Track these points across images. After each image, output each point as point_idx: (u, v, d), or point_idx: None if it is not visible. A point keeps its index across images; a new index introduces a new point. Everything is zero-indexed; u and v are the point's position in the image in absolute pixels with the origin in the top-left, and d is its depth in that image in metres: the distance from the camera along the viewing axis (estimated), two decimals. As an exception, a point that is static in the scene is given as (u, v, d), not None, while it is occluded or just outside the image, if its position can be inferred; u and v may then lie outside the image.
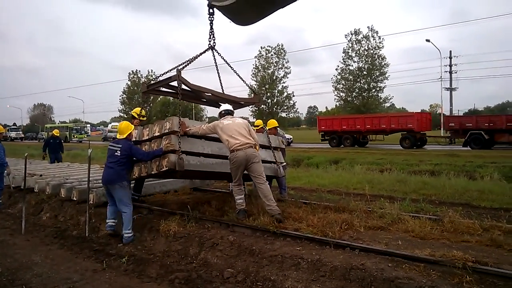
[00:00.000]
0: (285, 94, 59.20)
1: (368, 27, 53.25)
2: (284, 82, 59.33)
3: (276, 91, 58.97)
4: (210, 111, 74.25)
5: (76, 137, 55.21)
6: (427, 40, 40.60)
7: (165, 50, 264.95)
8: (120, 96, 73.82)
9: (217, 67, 7.77)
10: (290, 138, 38.40)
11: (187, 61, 6.84)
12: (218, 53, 7.30)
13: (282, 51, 58.98)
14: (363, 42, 52.70)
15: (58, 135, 15.80)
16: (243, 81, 8.18)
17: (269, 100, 58.87)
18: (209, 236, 5.56)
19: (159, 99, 74.02)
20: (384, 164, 19.42)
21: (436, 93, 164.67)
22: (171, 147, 6.09)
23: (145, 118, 8.35)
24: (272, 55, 59.14)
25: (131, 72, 73.72)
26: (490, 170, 15.32)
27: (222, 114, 6.60)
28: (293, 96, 59.28)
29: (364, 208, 6.34)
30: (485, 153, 23.33)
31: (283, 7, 6.77)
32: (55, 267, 5.34)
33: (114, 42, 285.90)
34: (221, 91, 7.80)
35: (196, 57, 6.91)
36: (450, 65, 45.84)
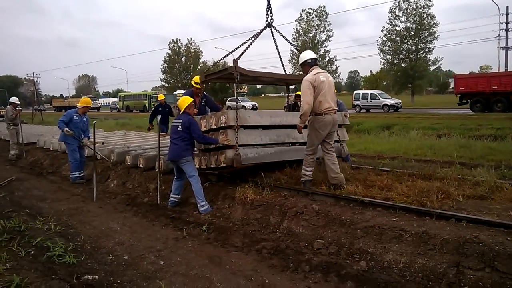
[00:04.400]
0: (327, 58, 57.50)
1: (417, -16, 49.99)
2: (326, 46, 57.55)
3: (318, 55, 57.39)
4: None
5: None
6: (484, -5, 37.63)
7: (198, 19, 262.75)
8: (161, 65, 74.30)
9: (276, 46, 7.31)
10: (399, 103, 35.71)
11: (245, 47, 6.46)
12: (277, 30, 6.86)
13: (324, 13, 56.90)
14: (411, 0, 49.80)
15: (164, 100, 12.70)
16: (297, 49, 7.74)
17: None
18: (290, 204, 5.28)
19: (199, 67, 73.97)
20: (440, 129, 18.56)
21: (485, 53, 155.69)
22: (228, 142, 5.85)
23: (199, 86, 7.74)
24: (313, 17, 57.23)
25: (171, 41, 73.73)
26: None
27: (311, 64, 5.68)
28: (336, 60, 57.54)
29: (454, 175, 5.85)
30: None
31: None
32: (135, 235, 5.27)
33: (146, 12, 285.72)
34: (280, 67, 7.53)
35: (253, 40, 6.55)
36: (507, 22, 42.41)
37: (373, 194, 5.19)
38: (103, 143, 10.08)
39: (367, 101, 36.55)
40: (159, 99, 12.86)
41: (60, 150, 10.90)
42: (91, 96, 76.11)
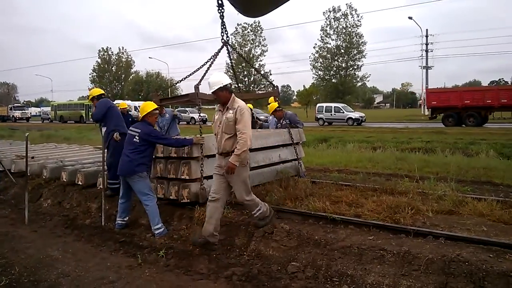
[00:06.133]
0: (262, 72, 58.39)
1: (346, 4, 52.91)
2: (261, 60, 58.51)
3: (253, 69, 58.09)
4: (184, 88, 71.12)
5: None
6: (410, 18, 40.64)
7: (128, 27, 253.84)
8: (90, 74, 70.84)
9: (232, 64, 7.00)
10: (363, 116, 35.40)
11: (205, 69, 6.12)
12: (233, 48, 6.57)
13: (258, 28, 58.00)
14: (341, 20, 52.32)
15: (126, 108, 11.22)
16: (258, 72, 7.63)
17: (246, 79, 57.95)
18: (257, 224, 4.92)
19: (130, 77, 71.65)
20: (374, 142, 19.18)
21: (405, 71, 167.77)
22: (202, 142, 5.47)
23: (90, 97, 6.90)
24: (248, 32, 58.04)
25: (101, 49, 70.80)
26: (483, 147, 15.26)
27: (231, 89, 4.76)
28: (270, 74, 58.57)
29: (415, 189, 5.85)
30: (471, 130, 23.52)
31: None
32: (81, 264, 4.59)
33: (72, 19, 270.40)
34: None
35: (212, 62, 6.19)
36: (427, 44, 46.09)
37: (342, 211, 5.00)
38: (32, 157, 9.04)
39: (331, 114, 35.87)
40: (121, 107, 11.69)
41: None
42: (19, 105, 68.65)
